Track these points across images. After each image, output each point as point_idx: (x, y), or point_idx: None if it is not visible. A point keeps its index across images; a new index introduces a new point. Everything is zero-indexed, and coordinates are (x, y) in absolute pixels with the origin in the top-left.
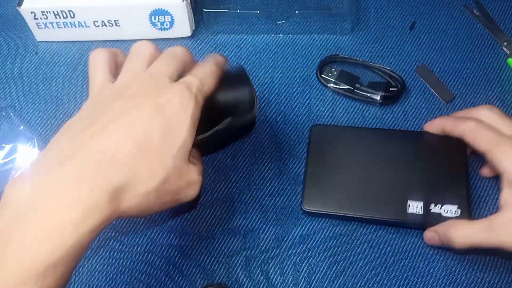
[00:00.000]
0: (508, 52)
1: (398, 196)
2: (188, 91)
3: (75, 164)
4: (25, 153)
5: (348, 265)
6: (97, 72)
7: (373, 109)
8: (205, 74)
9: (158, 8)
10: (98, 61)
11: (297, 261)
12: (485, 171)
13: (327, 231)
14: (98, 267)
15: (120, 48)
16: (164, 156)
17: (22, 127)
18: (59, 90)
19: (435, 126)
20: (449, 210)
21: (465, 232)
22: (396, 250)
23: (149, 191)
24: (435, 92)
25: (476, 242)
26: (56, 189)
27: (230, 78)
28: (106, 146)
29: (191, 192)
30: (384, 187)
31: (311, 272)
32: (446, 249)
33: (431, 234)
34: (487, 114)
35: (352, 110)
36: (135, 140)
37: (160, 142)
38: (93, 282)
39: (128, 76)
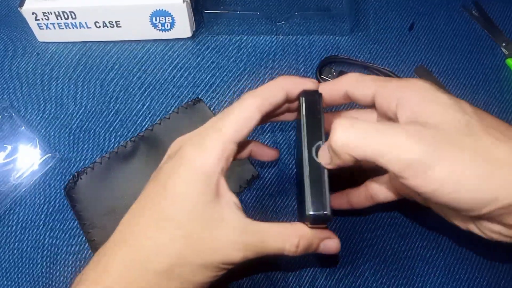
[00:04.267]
0: (506, 52)
1: None
2: None
3: None
4: (26, 154)
5: (347, 264)
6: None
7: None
8: None
9: (159, 9)
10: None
11: (297, 259)
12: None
13: None
14: None
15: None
16: None
17: (23, 127)
18: (60, 91)
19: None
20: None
21: (351, 127)
22: (395, 249)
23: None
24: None
25: (361, 144)
26: None
27: None
28: None
29: None
30: None
31: (311, 271)
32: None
33: (323, 148)
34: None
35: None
36: None
37: None
38: None
39: None
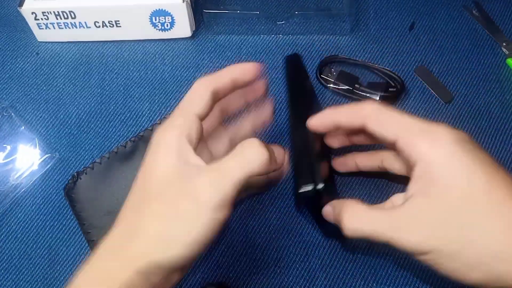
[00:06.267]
0: (507, 52)
1: None
2: None
3: None
4: (25, 154)
5: (347, 264)
6: None
7: None
8: None
9: (159, 9)
10: None
11: (297, 259)
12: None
13: None
14: None
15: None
16: None
17: (23, 127)
18: (60, 91)
19: (325, 122)
20: None
21: (360, 215)
22: (395, 250)
23: None
24: (434, 93)
25: (369, 231)
26: None
27: None
28: None
29: None
30: None
31: (311, 270)
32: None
33: (328, 209)
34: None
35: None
36: None
37: None
38: None
39: None
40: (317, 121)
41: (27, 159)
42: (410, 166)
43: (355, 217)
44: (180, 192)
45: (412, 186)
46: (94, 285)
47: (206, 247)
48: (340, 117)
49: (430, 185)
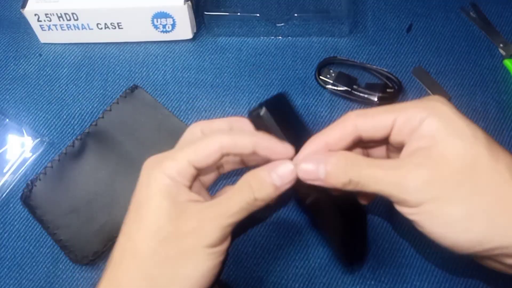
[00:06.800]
0: (504, 53)
1: None
2: None
3: None
4: (14, 144)
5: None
6: None
7: None
8: None
9: (160, 11)
10: None
11: (297, 258)
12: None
13: None
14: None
15: None
16: None
17: (7, 120)
18: (62, 92)
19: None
20: None
21: (360, 163)
22: (393, 248)
23: None
24: (431, 93)
25: (373, 180)
26: None
27: None
28: None
29: None
30: None
31: (310, 268)
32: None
33: (309, 166)
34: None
35: (349, 111)
36: None
37: None
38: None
39: None
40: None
41: (16, 149)
42: (399, 147)
43: (355, 163)
44: (177, 250)
45: (408, 151)
46: None
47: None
48: (329, 140)
49: (431, 148)
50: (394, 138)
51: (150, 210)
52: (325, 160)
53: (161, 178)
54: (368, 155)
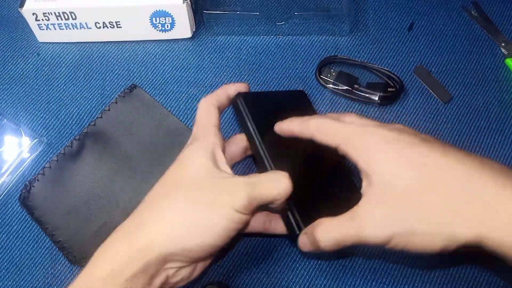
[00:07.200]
0: (506, 52)
1: None
2: None
3: None
4: (12, 144)
5: (347, 263)
6: None
7: (372, 109)
8: None
9: (159, 10)
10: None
11: (297, 259)
12: None
13: None
14: None
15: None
16: None
17: (5, 120)
18: (60, 91)
19: (285, 131)
20: None
21: (329, 227)
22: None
23: None
24: (433, 93)
25: (340, 238)
26: None
27: None
28: None
29: None
30: None
31: (310, 270)
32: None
33: (303, 238)
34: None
35: (350, 110)
36: None
37: None
38: None
39: None
40: (281, 126)
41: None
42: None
43: (324, 229)
44: (215, 189)
45: (362, 185)
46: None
47: (218, 248)
48: (294, 127)
49: (372, 181)
50: (342, 154)
51: (193, 164)
52: (315, 229)
53: (207, 145)
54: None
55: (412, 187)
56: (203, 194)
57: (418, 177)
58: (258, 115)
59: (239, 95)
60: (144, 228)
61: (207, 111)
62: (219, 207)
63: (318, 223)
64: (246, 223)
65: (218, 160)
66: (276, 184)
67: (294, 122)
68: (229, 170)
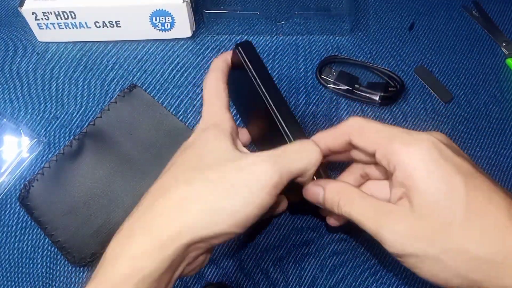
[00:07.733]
0: (506, 52)
1: None
2: None
3: None
4: (11, 144)
5: (347, 263)
6: None
7: (372, 109)
8: None
9: (159, 9)
10: None
11: (297, 259)
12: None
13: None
14: None
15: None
16: None
17: (4, 120)
18: (60, 91)
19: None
20: None
21: (354, 199)
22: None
23: None
24: (434, 93)
25: (358, 219)
26: None
27: None
28: None
29: None
30: None
31: (311, 270)
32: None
33: (314, 188)
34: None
35: (351, 110)
36: None
37: None
38: None
39: None
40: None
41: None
42: (389, 173)
43: (349, 200)
44: (238, 168)
45: (396, 191)
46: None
47: (245, 228)
48: (328, 140)
49: (411, 191)
50: (378, 160)
51: (216, 148)
52: (324, 185)
53: (226, 130)
54: (366, 175)
55: (455, 221)
56: (229, 177)
57: (462, 213)
58: (261, 69)
59: (239, 49)
60: (166, 218)
61: (216, 90)
62: (246, 189)
63: (345, 188)
64: (274, 204)
65: (238, 144)
66: (305, 154)
67: (325, 133)
68: (246, 150)
